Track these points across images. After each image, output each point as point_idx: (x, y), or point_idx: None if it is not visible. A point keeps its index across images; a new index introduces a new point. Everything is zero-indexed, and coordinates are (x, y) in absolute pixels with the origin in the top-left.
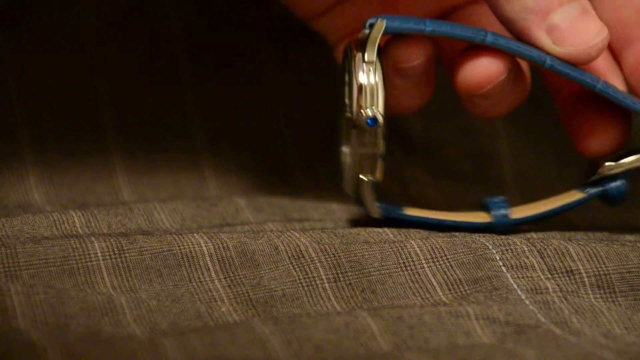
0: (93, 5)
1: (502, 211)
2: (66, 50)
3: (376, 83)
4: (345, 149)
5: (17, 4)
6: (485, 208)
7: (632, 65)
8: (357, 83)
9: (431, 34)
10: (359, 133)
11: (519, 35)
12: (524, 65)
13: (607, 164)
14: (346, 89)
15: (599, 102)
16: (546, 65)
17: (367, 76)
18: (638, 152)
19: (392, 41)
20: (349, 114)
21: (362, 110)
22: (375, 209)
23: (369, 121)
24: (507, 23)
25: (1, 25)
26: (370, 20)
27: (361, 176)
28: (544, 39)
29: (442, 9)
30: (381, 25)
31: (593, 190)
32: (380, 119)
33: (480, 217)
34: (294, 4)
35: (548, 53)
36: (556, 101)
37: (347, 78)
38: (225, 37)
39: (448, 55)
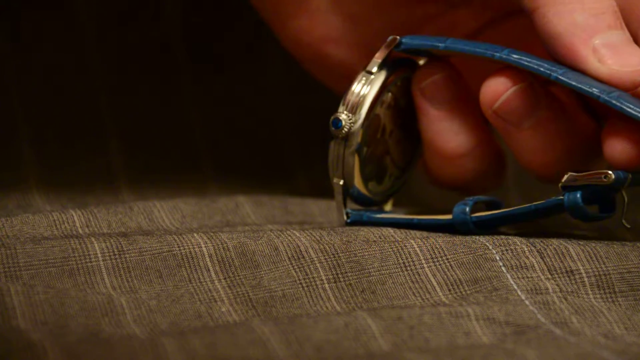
0: (93, 5)
1: (462, 208)
2: (66, 50)
3: (365, 94)
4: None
5: (17, 3)
6: None
7: None
8: (349, 89)
9: (445, 50)
10: (333, 137)
11: (562, 51)
12: (561, 94)
13: (569, 174)
14: None
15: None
16: (552, 77)
17: (360, 85)
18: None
19: (417, 68)
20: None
21: (337, 112)
22: (343, 214)
23: (334, 121)
24: (552, 38)
25: (1, 25)
26: (388, 38)
27: (334, 180)
28: (589, 57)
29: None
30: (394, 40)
31: (553, 199)
32: (346, 123)
33: (445, 215)
34: (314, 74)
35: (591, 73)
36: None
37: None
38: (225, 36)
39: None
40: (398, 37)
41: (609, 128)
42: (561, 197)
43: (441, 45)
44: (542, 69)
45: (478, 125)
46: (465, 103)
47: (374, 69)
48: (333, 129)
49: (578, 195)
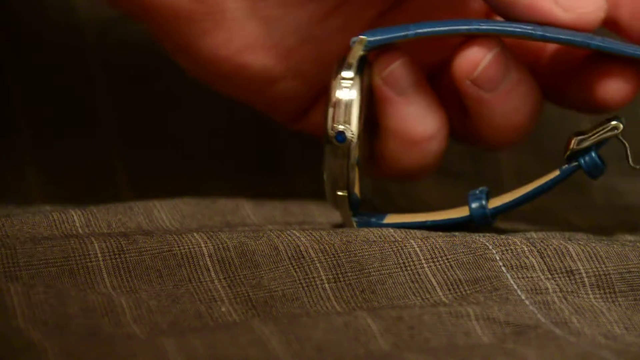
0: (93, 5)
1: (479, 202)
2: (66, 50)
3: (351, 100)
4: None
5: (17, 4)
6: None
7: (628, 15)
8: (332, 99)
9: (416, 37)
10: (331, 149)
11: (526, 12)
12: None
13: (575, 137)
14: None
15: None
16: (536, 36)
17: (343, 92)
18: (607, 122)
19: (374, 57)
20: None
21: (333, 126)
22: (352, 223)
23: (337, 137)
24: (511, 5)
25: (1, 26)
26: (353, 38)
27: (337, 192)
28: (554, 9)
29: None
30: (362, 40)
31: (566, 167)
32: (349, 135)
33: (460, 212)
34: (271, 111)
35: (560, 23)
36: (555, 72)
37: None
38: None
39: None
40: (364, 36)
41: (591, 72)
42: (575, 164)
43: (410, 33)
44: (526, 30)
45: (439, 106)
46: (424, 86)
47: (351, 74)
48: (337, 143)
49: (593, 154)
